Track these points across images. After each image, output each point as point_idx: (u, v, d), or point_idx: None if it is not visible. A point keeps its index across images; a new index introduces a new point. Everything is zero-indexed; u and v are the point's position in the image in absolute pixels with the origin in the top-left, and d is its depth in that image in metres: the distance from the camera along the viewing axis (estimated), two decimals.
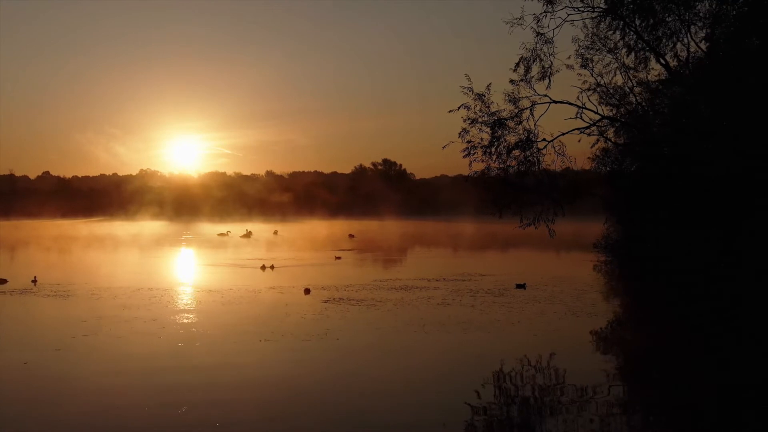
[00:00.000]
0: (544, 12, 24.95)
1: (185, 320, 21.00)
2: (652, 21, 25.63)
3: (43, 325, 20.54)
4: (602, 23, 26.79)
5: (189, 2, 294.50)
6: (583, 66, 27.88)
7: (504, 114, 26.98)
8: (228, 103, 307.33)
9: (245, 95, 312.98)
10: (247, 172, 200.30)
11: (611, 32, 26.91)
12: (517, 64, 25.70)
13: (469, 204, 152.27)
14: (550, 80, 26.06)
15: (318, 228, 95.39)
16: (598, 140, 30.58)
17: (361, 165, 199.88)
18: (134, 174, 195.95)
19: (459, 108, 28.07)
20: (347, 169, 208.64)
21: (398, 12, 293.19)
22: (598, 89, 28.83)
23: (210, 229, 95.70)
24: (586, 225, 50.22)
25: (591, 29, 27.76)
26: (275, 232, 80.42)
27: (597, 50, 27.72)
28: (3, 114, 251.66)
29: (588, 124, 28.66)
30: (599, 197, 40.49)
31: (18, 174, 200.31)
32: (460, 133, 28.01)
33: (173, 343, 17.73)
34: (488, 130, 27.47)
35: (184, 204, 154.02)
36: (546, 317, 21.67)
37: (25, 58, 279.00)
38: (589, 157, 34.73)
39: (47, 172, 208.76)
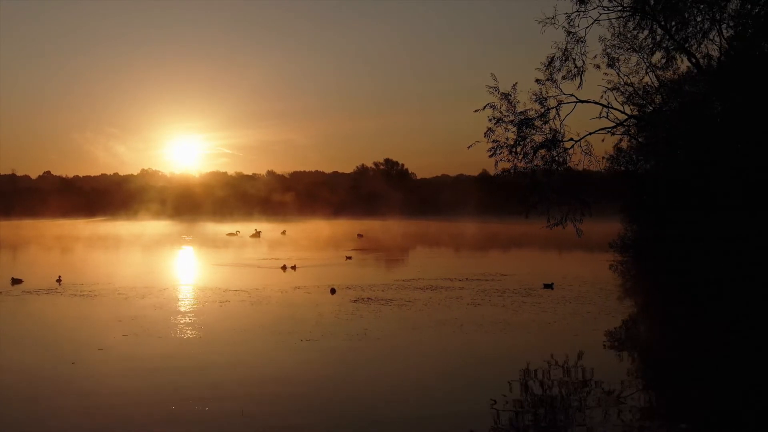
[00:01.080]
0: (577, 12, 24.90)
1: (221, 321, 20.93)
2: (681, 19, 25.55)
3: (81, 325, 20.47)
4: (630, 22, 26.68)
5: (189, 2, 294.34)
6: (610, 65, 27.76)
7: (530, 113, 26.83)
8: (228, 103, 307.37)
9: (245, 95, 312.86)
10: (248, 171, 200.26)
11: (639, 31, 26.82)
12: (549, 63, 25.61)
13: (470, 203, 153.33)
14: (581, 79, 25.98)
15: (324, 228, 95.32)
16: (621, 140, 30.45)
17: (363, 165, 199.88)
18: (135, 174, 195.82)
19: (484, 108, 27.87)
20: (348, 169, 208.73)
21: (399, 11, 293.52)
22: (625, 89, 28.70)
23: (216, 229, 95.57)
24: (596, 224, 49.96)
25: (618, 28, 27.63)
26: (283, 232, 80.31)
27: (624, 49, 27.59)
28: (3, 114, 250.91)
29: (614, 124, 28.55)
30: (617, 196, 40.33)
31: (19, 174, 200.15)
32: (485, 133, 27.83)
33: (215, 343, 17.63)
34: (514, 129, 27.33)
35: (187, 204, 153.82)
36: (580, 317, 21.65)
37: (25, 58, 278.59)
38: (603, 157, 34.51)
39: (48, 172, 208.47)
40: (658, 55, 27.95)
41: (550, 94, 27.30)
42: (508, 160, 27.81)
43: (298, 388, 13.49)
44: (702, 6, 25.31)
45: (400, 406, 12.44)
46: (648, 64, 28.38)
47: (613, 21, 27.08)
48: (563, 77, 25.86)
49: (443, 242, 67.34)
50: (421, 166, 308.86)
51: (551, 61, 25.50)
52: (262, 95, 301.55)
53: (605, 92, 29.00)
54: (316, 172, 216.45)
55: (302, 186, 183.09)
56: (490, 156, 28.05)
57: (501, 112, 27.70)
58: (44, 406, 12.23)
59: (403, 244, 65.05)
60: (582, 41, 25.25)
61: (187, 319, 20.96)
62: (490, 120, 27.89)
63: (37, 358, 15.88)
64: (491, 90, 27.63)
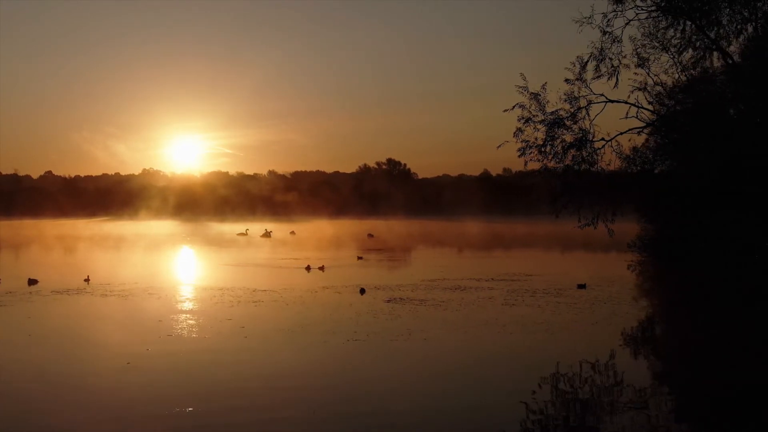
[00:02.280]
0: (614, 11, 24.93)
1: (259, 320, 20.86)
2: (713, 17, 25.59)
3: (123, 325, 20.41)
4: (661, 21, 26.68)
5: (190, 2, 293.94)
6: (640, 65, 27.76)
7: (561, 113, 26.85)
8: (229, 103, 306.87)
9: (246, 94, 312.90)
10: (249, 171, 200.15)
11: (670, 30, 26.80)
12: (586, 62, 25.64)
13: (473, 203, 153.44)
14: (617, 79, 26.01)
15: (331, 228, 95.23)
16: (647, 139, 30.47)
17: (365, 164, 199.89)
18: (136, 174, 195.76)
19: (513, 107, 27.99)
20: (349, 169, 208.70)
21: (401, 11, 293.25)
22: (653, 88, 28.70)
23: (223, 228, 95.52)
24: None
25: (648, 28, 27.61)
26: (292, 233, 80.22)
27: (654, 48, 27.57)
28: (3, 113, 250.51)
29: (645, 124, 28.58)
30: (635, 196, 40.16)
31: (20, 174, 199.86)
32: (515, 133, 27.91)
33: (261, 344, 17.56)
34: (544, 129, 27.36)
35: (191, 203, 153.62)
36: (619, 318, 21.57)
37: (25, 58, 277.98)
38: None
39: (49, 172, 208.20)
40: (687, 54, 28.01)
41: (581, 94, 27.40)
42: (538, 160, 27.89)
43: (362, 387, 13.48)
44: (735, 5, 25.34)
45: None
46: (678, 64, 28.41)
47: (644, 21, 27.14)
48: (597, 76, 25.88)
49: (454, 242, 67.18)
50: (422, 165, 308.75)
51: (587, 60, 25.48)
52: (263, 95, 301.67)
53: (632, 92, 29.04)
54: (317, 171, 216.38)
55: (305, 186, 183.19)
56: (520, 156, 28.13)
57: (530, 111, 27.76)
58: (113, 406, 12.18)
59: (415, 244, 65.02)
60: (618, 41, 25.25)
61: (227, 319, 20.85)
62: (519, 120, 27.97)
63: (92, 356, 15.86)
64: (520, 90, 27.73)
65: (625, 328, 19.94)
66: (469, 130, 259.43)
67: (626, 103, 28.07)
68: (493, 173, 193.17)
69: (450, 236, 76.18)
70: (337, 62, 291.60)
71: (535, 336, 18.61)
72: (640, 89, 28.68)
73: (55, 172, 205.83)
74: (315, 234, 79.70)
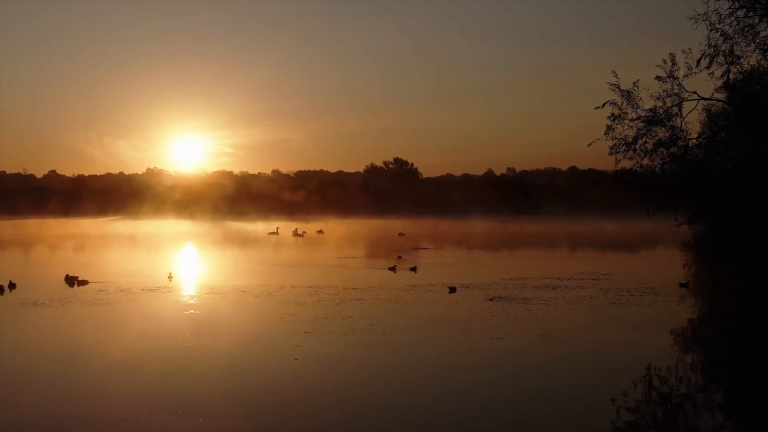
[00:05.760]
0: (729, 9, 24.83)
1: (379, 317, 20.58)
2: None
3: (250, 322, 20.24)
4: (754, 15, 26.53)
5: (192, 1, 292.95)
6: (732, 63, 27.62)
7: (657, 111, 26.74)
8: (231, 102, 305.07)
9: (248, 94, 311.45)
10: (253, 171, 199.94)
11: (764, 25, 26.68)
12: (698, 60, 25.56)
13: (481, 203, 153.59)
14: (728, 77, 25.89)
15: (359, 227, 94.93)
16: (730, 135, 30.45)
17: (372, 164, 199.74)
18: (141, 173, 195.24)
19: (604, 105, 27.99)
20: (351, 168, 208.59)
21: (405, 9, 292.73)
22: (742, 85, 28.62)
23: (243, 227, 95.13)
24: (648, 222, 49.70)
25: (738, 25, 27.47)
26: (320, 231, 79.81)
27: (746, 45, 27.44)
28: (4, 113, 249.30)
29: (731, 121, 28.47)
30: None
31: (24, 173, 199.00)
32: (606, 131, 27.80)
33: (402, 338, 17.43)
34: (638, 126, 27.26)
35: (201, 203, 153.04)
36: (727, 316, 21.46)
37: (25, 58, 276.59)
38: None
39: (54, 171, 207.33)
40: None
41: (674, 91, 27.28)
42: (630, 158, 27.77)
43: (531, 383, 13.27)
44: None
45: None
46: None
47: (741, 18, 26.99)
48: (706, 68, 25.73)
49: (491, 241, 66.85)
50: (425, 165, 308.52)
51: (702, 56, 25.36)
52: (265, 94, 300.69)
53: (718, 89, 28.94)
54: (321, 171, 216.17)
55: (312, 185, 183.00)
56: (610, 154, 28.04)
57: (621, 109, 27.63)
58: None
59: (451, 243, 64.69)
60: (729, 38, 25.12)
61: (339, 318, 20.42)
62: (609, 118, 27.86)
63: (261, 354, 15.65)
64: (612, 87, 27.64)
65: (730, 326, 19.77)
66: (474, 129, 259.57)
67: (717, 100, 27.97)
68: (497, 172, 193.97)
69: (479, 235, 75.83)
70: (341, 61, 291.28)
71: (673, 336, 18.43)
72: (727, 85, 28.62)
73: (59, 172, 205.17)
74: (343, 233, 79.39)
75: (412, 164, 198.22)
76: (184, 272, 33.52)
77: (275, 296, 25.20)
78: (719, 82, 29.02)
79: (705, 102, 28.38)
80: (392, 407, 11.94)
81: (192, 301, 24.27)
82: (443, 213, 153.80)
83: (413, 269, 34.19)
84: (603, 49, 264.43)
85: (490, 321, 20.14)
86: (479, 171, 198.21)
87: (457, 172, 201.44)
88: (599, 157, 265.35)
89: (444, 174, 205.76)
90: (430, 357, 15.87)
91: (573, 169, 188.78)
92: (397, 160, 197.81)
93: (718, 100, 27.80)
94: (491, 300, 24.29)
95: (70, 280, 28.20)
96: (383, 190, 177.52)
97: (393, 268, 34.44)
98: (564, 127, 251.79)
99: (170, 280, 29.00)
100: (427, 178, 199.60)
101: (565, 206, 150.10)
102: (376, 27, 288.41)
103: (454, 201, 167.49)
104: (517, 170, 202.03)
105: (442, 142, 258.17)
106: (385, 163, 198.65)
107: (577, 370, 14.76)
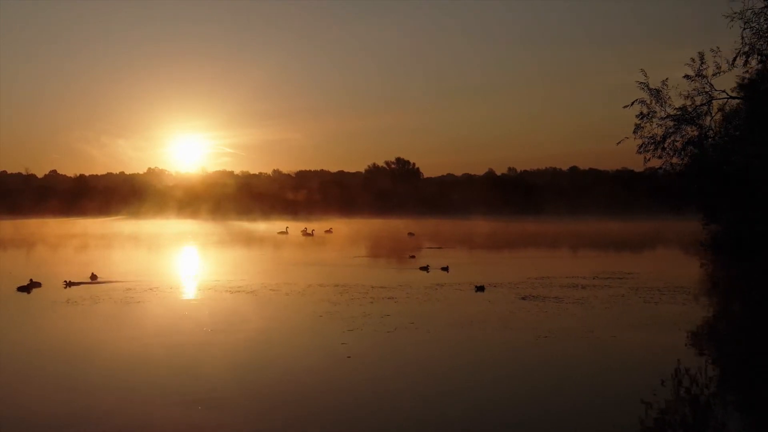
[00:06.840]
0: (765, 7, 24.80)
1: (412, 318, 20.41)
2: None
3: (292, 320, 20.21)
4: None
5: (192, 0, 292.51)
6: (762, 62, 27.62)
7: (687, 109, 26.72)
8: (231, 102, 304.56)
9: (249, 94, 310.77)
10: (253, 171, 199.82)
11: None
12: (734, 58, 25.55)
13: (481, 202, 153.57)
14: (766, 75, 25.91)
15: (363, 226, 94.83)
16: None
17: (374, 164, 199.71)
18: (142, 173, 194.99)
19: (633, 104, 27.92)
20: (352, 168, 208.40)
21: (406, 8, 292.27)
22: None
23: (249, 227, 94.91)
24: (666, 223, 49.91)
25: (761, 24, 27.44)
26: (328, 231, 79.69)
27: None
28: (5, 113, 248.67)
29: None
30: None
31: (25, 173, 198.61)
32: (634, 130, 27.78)
33: (443, 335, 17.42)
34: (665, 124, 27.22)
35: (203, 202, 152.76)
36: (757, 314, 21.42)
37: (26, 58, 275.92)
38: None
39: (54, 171, 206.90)
40: None
41: (704, 89, 27.26)
42: (660, 156, 27.73)
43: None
44: None
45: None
46: None
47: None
48: (740, 63, 25.68)
49: (505, 240, 66.77)
50: (426, 165, 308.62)
51: (737, 56, 25.35)
52: (266, 94, 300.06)
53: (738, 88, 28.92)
54: (322, 171, 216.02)
55: (315, 185, 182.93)
56: (638, 152, 28.00)
57: (650, 108, 27.60)
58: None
59: (462, 243, 64.52)
60: (763, 36, 25.10)
61: (378, 316, 20.37)
62: (638, 117, 27.82)
63: (311, 352, 15.61)
64: (641, 86, 27.56)
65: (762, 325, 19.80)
66: (475, 128, 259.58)
67: (746, 98, 27.95)
68: (498, 172, 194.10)
69: (485, 235, 75.63)
70: (341, 61, 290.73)
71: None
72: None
73: (60, 172, 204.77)
74: (351, 233, 79.26)
75: (413, 164, 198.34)
76: (206, 271, 33.42)
77: (306, 295, 25.13)
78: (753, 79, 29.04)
79: (719, 101, 28.42)
80: (464, 404, 11.88)
81: (229, 300, 24.13)
82: (445, 213, 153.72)
83: (445, 269, 33.79)
84: (603, 49, 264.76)
85: (530, 320, 20.13)
86: (480, 171, 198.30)
87: (458, 172, 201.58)
88: (600, 156, 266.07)
89: (445, 174, 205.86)
90: (483, 355, 15.89)
91: (574, 169, 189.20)
92: (399, 160, 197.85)
93: (746, 98, 27.77)
94: (524, 299, 24.23)
95: (93, 278, 28.60)
96: (385, 190, 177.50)
97: (426, 268, 34.06)
98: (565, 127, 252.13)
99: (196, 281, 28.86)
100: (428, 178, 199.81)
101: (567, 206, 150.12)
102: (376, 27, 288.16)
103: (455, 201, 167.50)
104: (518, 170, 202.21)
105: (443, 142, 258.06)
106: (387, 162, 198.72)
107: (624, 367, 14.76)
